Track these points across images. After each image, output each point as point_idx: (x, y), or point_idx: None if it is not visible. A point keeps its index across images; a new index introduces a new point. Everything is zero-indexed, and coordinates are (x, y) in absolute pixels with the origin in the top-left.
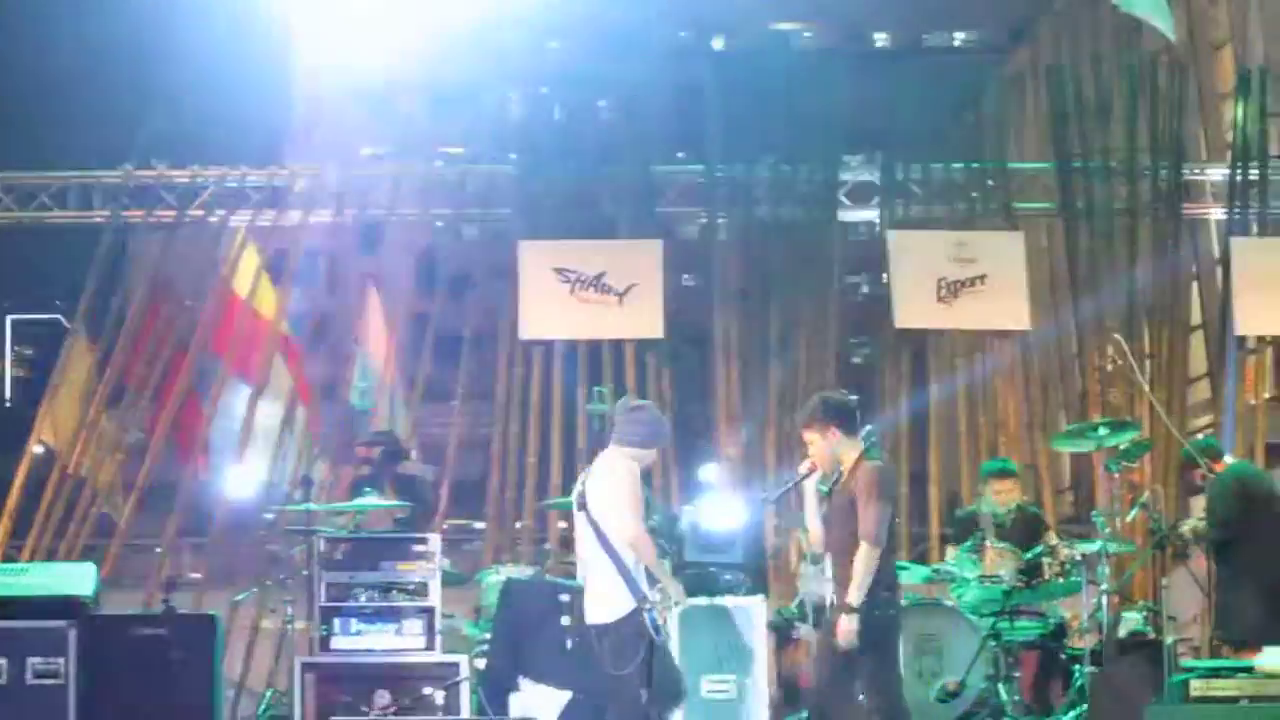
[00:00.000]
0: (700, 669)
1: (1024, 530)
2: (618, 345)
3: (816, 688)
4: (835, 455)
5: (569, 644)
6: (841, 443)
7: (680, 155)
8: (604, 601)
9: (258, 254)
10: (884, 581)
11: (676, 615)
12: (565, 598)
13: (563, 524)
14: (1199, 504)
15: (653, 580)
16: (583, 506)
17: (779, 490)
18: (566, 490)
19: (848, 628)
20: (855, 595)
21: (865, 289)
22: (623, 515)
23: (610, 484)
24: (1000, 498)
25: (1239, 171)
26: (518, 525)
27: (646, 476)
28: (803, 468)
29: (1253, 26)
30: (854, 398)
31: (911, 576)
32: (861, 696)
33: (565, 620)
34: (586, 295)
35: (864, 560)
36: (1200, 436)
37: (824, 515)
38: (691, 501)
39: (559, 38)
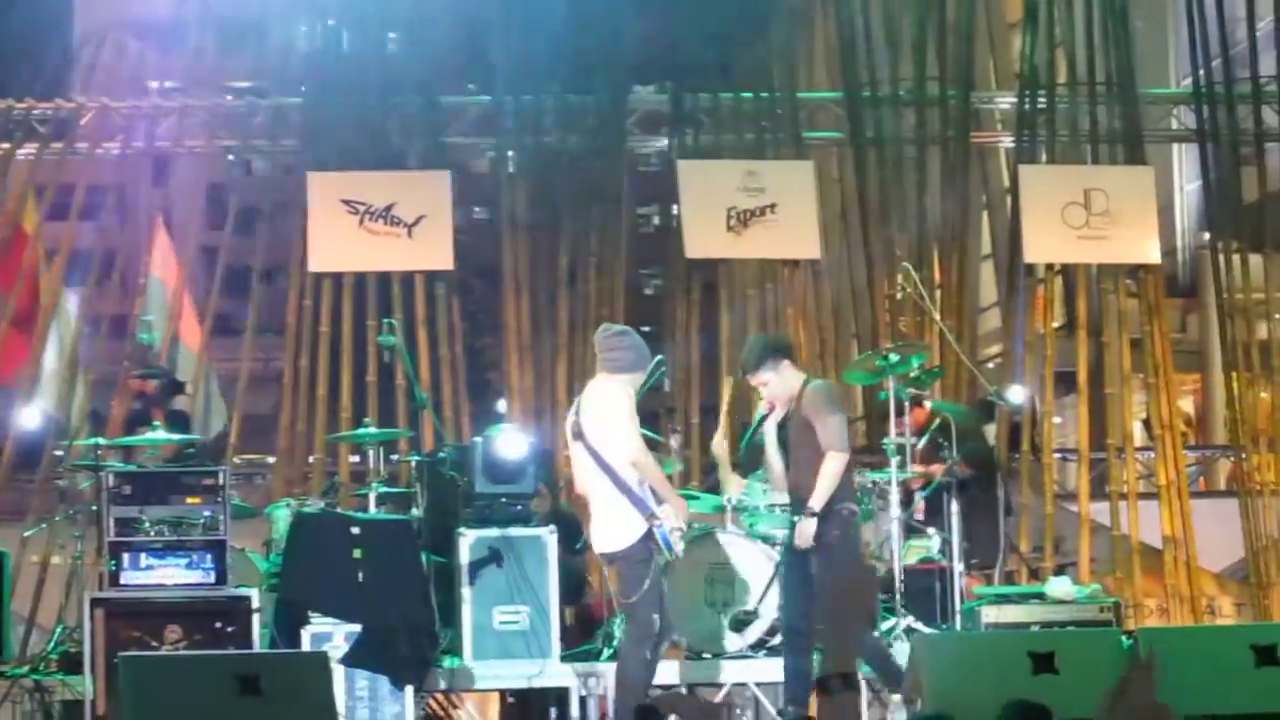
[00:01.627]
0: (491, 600)
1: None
2: (408, 277)
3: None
4: (790, 389)
5: (360, 577)
6: (793, 375)
7: (471, 87)
8: (611, 528)
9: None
10: (842, 494)
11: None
12: (355, 530)
13: (354, 457)
14: (992, 431)
15: (659, 499)
16: (579, 436)
17: (748, 438)
18: (357, 423)
19: (805, 530)
20: (817, 500)
21: (657, 220)
22: (621, 434)
23: (604, 407)
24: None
25: (1027, 100)
26: (309, 459)
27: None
28: (761, 408)
29: None
30: (783, 336)
31: (702, 506)
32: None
33: (356, 553)
34: (375, 227)
35: (829, 467)
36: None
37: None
38: (482, 433)
39: None
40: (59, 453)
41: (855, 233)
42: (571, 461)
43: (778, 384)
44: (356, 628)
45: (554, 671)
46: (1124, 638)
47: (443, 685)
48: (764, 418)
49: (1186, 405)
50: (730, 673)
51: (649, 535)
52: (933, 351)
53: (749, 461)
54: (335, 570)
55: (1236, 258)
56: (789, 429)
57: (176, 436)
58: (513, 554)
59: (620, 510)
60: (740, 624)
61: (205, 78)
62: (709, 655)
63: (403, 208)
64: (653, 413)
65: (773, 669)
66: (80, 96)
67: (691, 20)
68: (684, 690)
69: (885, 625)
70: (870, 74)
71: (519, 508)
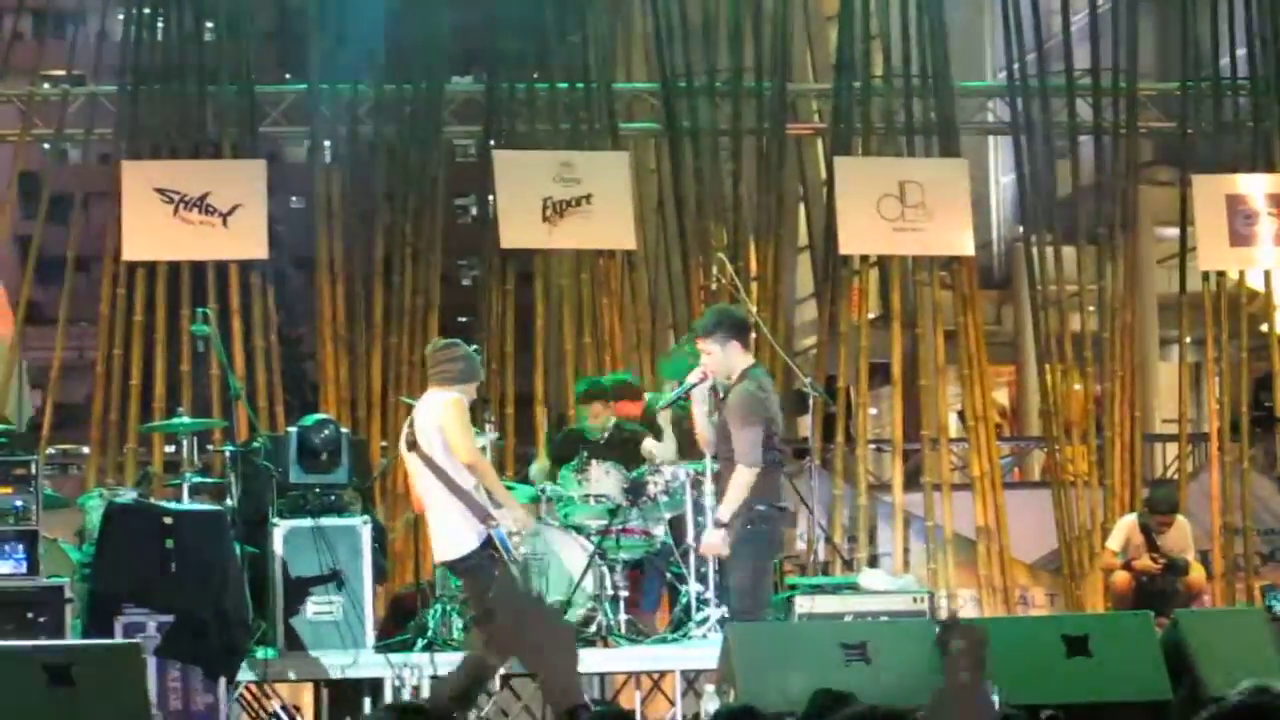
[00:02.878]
0: (304, 591)
1: (623, 449)
2: (222, 266)
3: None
4: (729, 367)
5: (173, 567)
6: (736, 355)
7: (287, 77)
8: (449, 537)
9: None
10: (767, 495)
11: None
12: (168, 521)
13: (169, 447)
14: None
15: (496, 504)
16: (412, 446)
17: (671, 398)
18: (171, 413)
19: (712, 541)
20: (725, 512)
21: (474, 210)
22: (456, 439)
23: (437, 417)
24: (593, 416)
25: (842, 92)
26: (123, 449)
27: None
28: (694, 376)
29: None
30: (744, 315)
31: (517, 497)
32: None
33: (169, 544)
34: (190, 216)
35: (739, 481)
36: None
37: (715, 421)
38: (296, 424)
39: None
40: None
41: (671, 224)
42: (408, 474)
43: (719, 358)
44: (169, 618)
45: (368, 662)
46: (936, 628)
47: (256, 676)
48: (692, 385)
49: (1001, 397)
50: None
51: (488, 542)
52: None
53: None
54: (148, 560)
55: (1050, 250)
56: (722, 414)
57: None
58: (326, 544)
59: (456, 518)
60: None
61: (20, 65)
62: None
63: (217, 197)
64: (470, 405)
65: (586, 659)
66: None
67: (507, 10)
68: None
69: (699, 615)
70: (686, 65)
71: (332, 497)
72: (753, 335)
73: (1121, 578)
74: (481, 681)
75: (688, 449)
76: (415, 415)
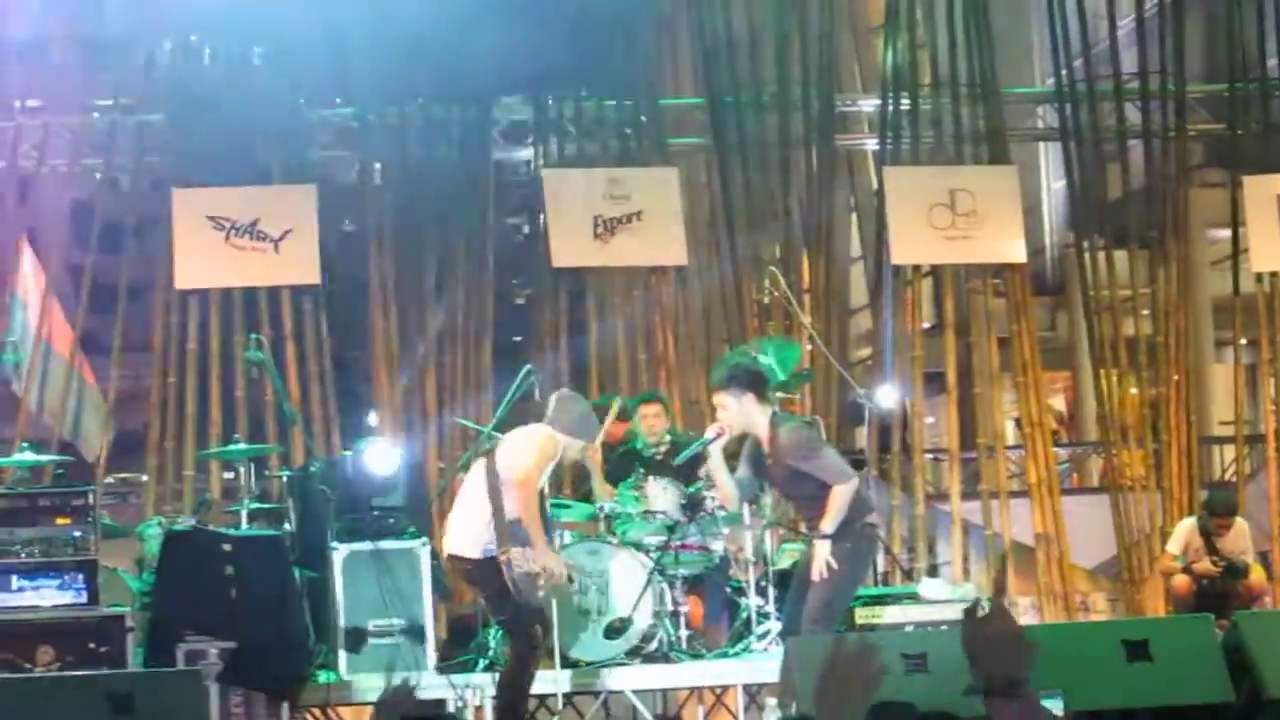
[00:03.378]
0: (364, 613)
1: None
2: (274, 292)
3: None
4: (747, 420)
5: (232, 593)
6: (754, 408)
7: (338, 101)
8: (462, 532)
9: None
10: (856, 513)
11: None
12: (227, 547)
13: (226, 474)
14: (863, 433)
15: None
16: (489, 454)
17: (687, 454)
18: (226, 440)
19: (821, 553)
20: (829, 523)
21: (526, 229)
22: (523, 458)
23: (527, 441)
24: (647, 423)
25: (890, 102)
26: (180, 477)
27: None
28: (711, 431)
29: None
30: (760, 368)
31: (574, 514)
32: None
33: (228, 570)
34: (241, 242)
35: (839, 497)
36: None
37: (739, 477)
38: (352, 447)
39: None
40: None
41: (722, 238)
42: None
43: (736, 413)
44: (230, 644)
45: (429, 683)
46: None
47: (318, 701)
48: (709, 440)
49: (1058, 403)
50: (607, 681)
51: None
52: (804, 352)
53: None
54: (207, 587)
55: (1102, 255)
56: (771, 466)
57: (45, 458)
58: (385, 566)
59: (483, 523)
60: (614, 632)
61: (69, 95)
62: (584, 664)
63: (268, 222)
64: (523, 422)
65: (648, 675)
66: None
67: (554, 29)
68: (560, 697)
69: (760, 629)
70: (733, 79)
71: (390, 520)
72: (773, 387)
73: (1181, 581)
74: None
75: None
76: (514, 432)
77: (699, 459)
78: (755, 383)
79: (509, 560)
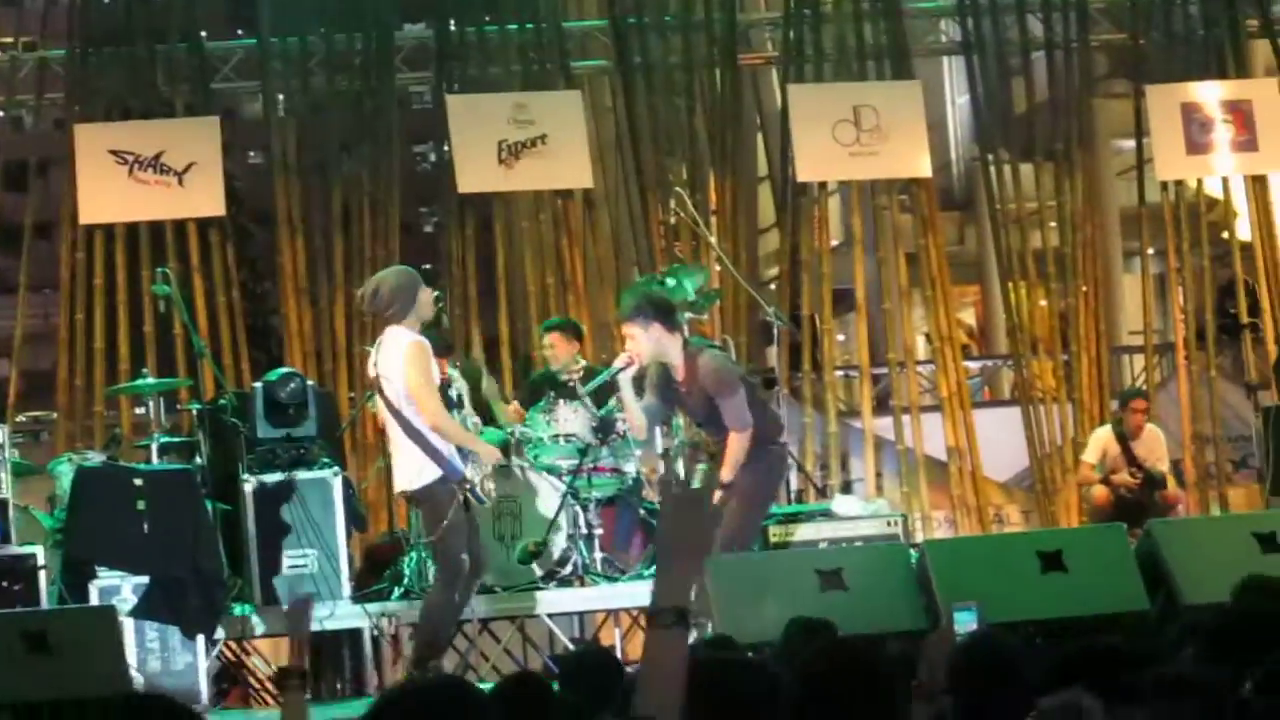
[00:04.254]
0: (278, 544)
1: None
2: (180, 225)
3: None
4: (657, 349)
5: (145, 528)
6: (663, 337)
7: (240, 33)
8: (408, 467)
9: None
10: (766, 437)
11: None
12: (138, 482)
13: (137, 409)
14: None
15: (464, 453)
16: (379, 390)
17: (596, 383)
18: (135, 375)
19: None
20: (726, 474)
21: (433, 157)
22: (420, 402)
23: (401, 365)
24: (547, 352)
25: (793, 20)
26: (91, 413)
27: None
28: (619, 361)
29: None
30: (666, 297)
31: (486, 439)
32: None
33: (140, 505)
34: (145, 176)
35: (736, 446)
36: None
37: (647, 405)
38: (262, 379)
39: None
40: None
41: (629, 161)
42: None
43: (644, 342)
44: (144, 580)
45: (345, 613)
46: (911, 551)
47: (234, 633)
48: (619, 370)
49: (968, 317)
50: (523, 605)
51: (445, 478)
52: (711, 274)
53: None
54: (120, 523)
55: (1008, 168)
56: (685, 395)
57: None
58: (297, 497)
59: (418, 452)
60: (530, 556)
61: None
62: (500, 589)
63: (172, 156)
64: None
65: (564, 599)
66: None
67: None
68: (477, 623)
69: None
70: (637, 0)
71: (302, 451)
72: (681, 315)
73: (1100, 491)
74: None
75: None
76: (376, 355)
77: (608, 388)
78: (662, 311)
79: (471, 486)
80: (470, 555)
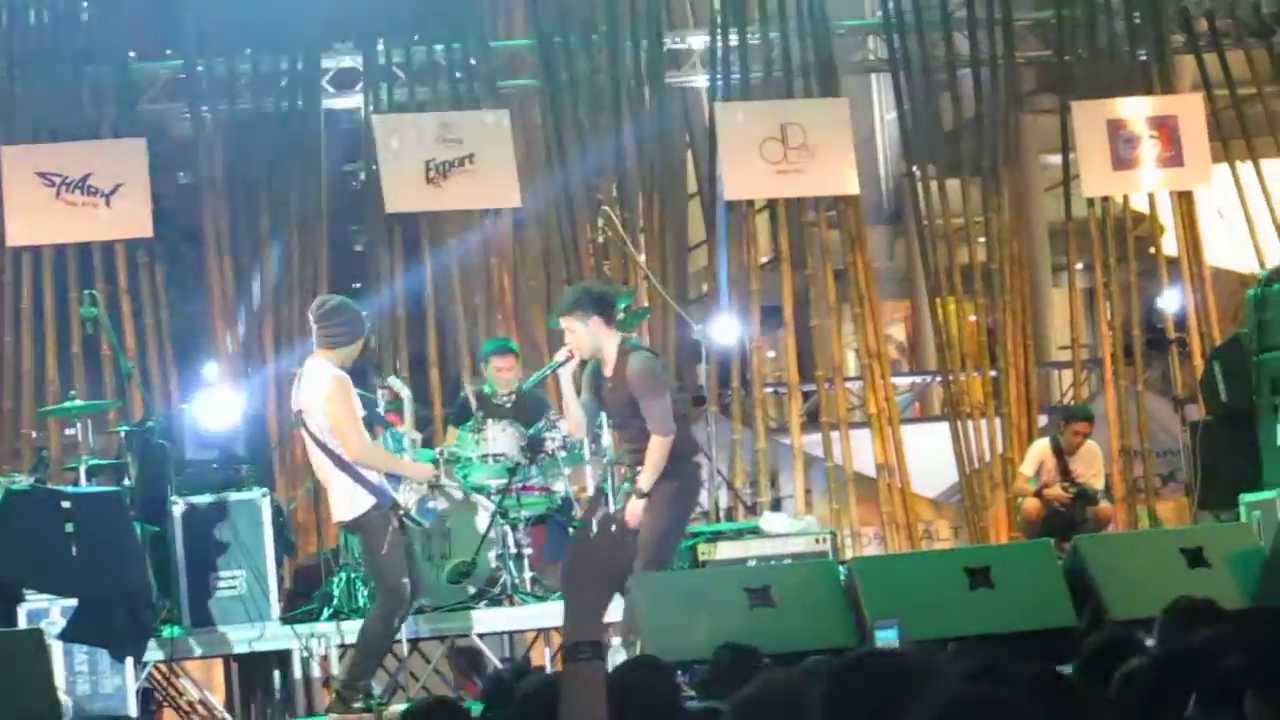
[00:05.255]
0: (207, 566)
1: (526, 409)
2: (108, 247)
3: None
4: (595, 344)
5: (73, 550)
6: (602, 332)
7: (168, 53)
8: (343, 497)
9: None
10: (684, 453)
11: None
12: (67, 504)
13: (67, 431)
14: (702, 370)
15: (395, 478)
16: (302, 423)
17: (535, 379)
18: (63, 397)
19: (635, 511)
20: (646, 481)
21: (361, 176)
22: (343, 438)
23: (323, 403)
24: (501, 375)
25: (720, 37)
26: (18, 436)
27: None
28: (560, 355)
29: None
30: (605, 288)
31: (417, 459)
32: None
33: (69, 527)
34: (73, 198)
35: (657, 451)
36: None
37: (584, 402)
38: (190, 400)
39: None
40: None
41: (557, 179)
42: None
43: (583, 336)
44: (73, 602)
45: (274, 634)
46: (840, 568)
47: (164, 655)
48: (559, 364)
49: (897, 332)
50: (453, 625)
51: (379, 505)
52: (638, 293)
53: (459, 415)
54: (48, 545)
55: (935, 184)
56: (610, 394)
57: None
58: (226, 519)
59: (350, 482)
60: (460, 576)
61: None
62: (430, 609)
63: (99, 177)
64: (361, 370)
65: (494, 618)
66: None
67: None
68: (404, 646)
69: None
70: (563, 18)
71: (231, 472)
72: (620, 304)
73: (1032, 505)
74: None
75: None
76: (299, 386)
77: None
78: (600, 305)
79: (404, 512)
80: (409, 580)
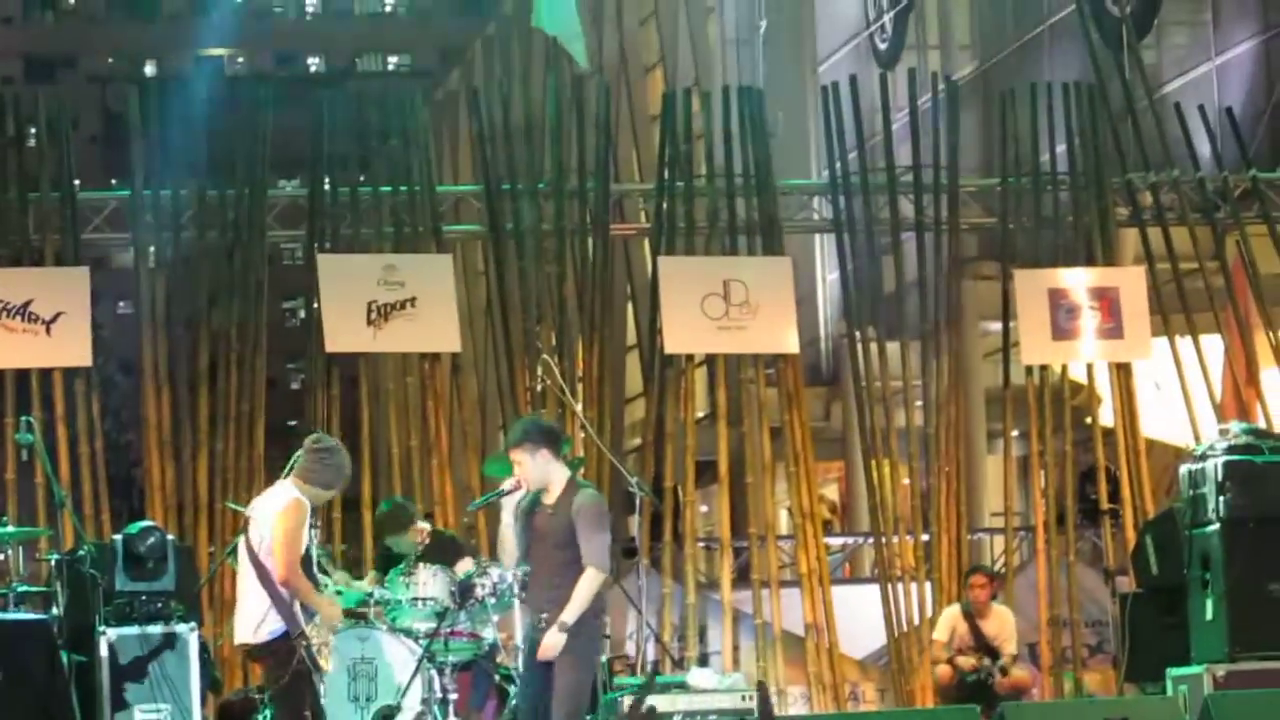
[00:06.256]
0: (133, 699)
1: (441, 553)
2: (46, 374)
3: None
4: (544, 477)
5: None
6: (550, 465)
7: (113, 183)
8: (249, 620)
9: None
10: (595, 608)
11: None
12: None
13: None
14: (634, 522)
15: (309, 613)
16: (245, 530)
17: (481, 501)
18: None
19: (554, 642)
20: (571, 614)
21: (301, 313)
22: (278, 554)
23: (275, 520)
24: (414, 538)
25: (665, 191)
26: None
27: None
28: (508, 484)
29: (682, 50)
30: (552, 423)
31: (345, 601)
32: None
33: None
34: (13, 324)
35: (589, 585)
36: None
37: (519, 531)
38: (122, 531)
39: None
40: None
41: (498, 326)
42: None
43: (530, 468)
44: None
45: None
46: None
47: None
48: (506, 492)
49: (831, 493)
50: None
51: (286, 634)
52: (574, 442)
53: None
54: None
55: (875, 346)
56: (547, 523)
57: None
58: (153, 651)
59: (263, 605)
60: (384, 719)
61: None
62: None
63: (40, 305)
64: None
65: None
66: None
67: (330, 113)
68: None
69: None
70: (510, 166)
71: (159, 605)
72: (564, 444)
73: (944, 671)
74: None
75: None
76: (259, 501)
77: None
78: (549, 438)
79: (307, 644)
80: (310, 713)
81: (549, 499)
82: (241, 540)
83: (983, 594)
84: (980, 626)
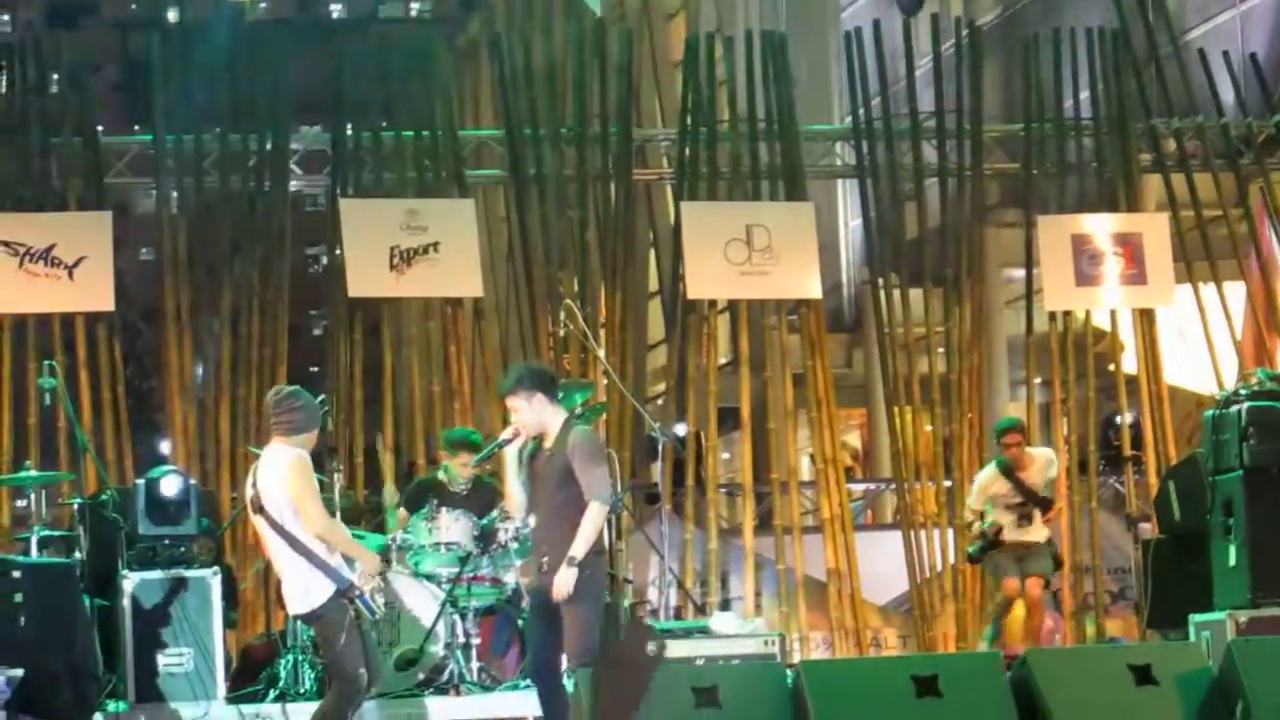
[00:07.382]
0: (154, 643)
1: (480, 500)
2: (69, 319)
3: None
4: (540, 421)
5: (21, 621)
6: (546, 409)
7: (136, 128)
8: (300, 591)
9: None
10: (596, 545)
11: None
12: (17, 575)
13: (18, 501)
14: (657, 468)
15: (351, 561)
16: (259, 510)
17: (484, 454)
18: (18, 466)
19: (566, 580)
20: (580, 548)
21: (324, 260)
22: (304, 511)
23: (283, 481)
24: (461, 467)
25: (688, 137)
26: None
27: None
28: (506, 433)
29: None
30: (547, 367)
31: (367, 545)
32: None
33: (18, 598)
34: (35, 269)
35: (594, 518)
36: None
37: (524, 480)
38: (144, 475)
39: (6, 9)
40: None
41: (520, 271)
42: (258, 533)
43: (527, 413)
44: (19, 673)
45: (219, 713)
46: (787, 671)
47: None
48: (506, 441)
49: (853, 439)
50: (398, 713)
51: (340, 593)
52: (597, 388)
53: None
54: None
55: (898, 293)
56: (545, 466)
57: None
58: (176, 595)
59: (305, 573)
60: (407, 664)
61: None
62: (375, 696)
63: (63, 249)
64: (316, 454)
65: (439, 707)
66: None
67: (352, 59)
68: None
69: None
70: (532, 112)
71: (182, 549)
72: (560, 389)
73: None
74: None
75: None
76: (258, 473)
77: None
78: (543, 383)
79: (360, 594)
80: (367, 669)
81: (548, 442)
82: (258, 522)
83: (1019, 451)
84: (1022, 479)
